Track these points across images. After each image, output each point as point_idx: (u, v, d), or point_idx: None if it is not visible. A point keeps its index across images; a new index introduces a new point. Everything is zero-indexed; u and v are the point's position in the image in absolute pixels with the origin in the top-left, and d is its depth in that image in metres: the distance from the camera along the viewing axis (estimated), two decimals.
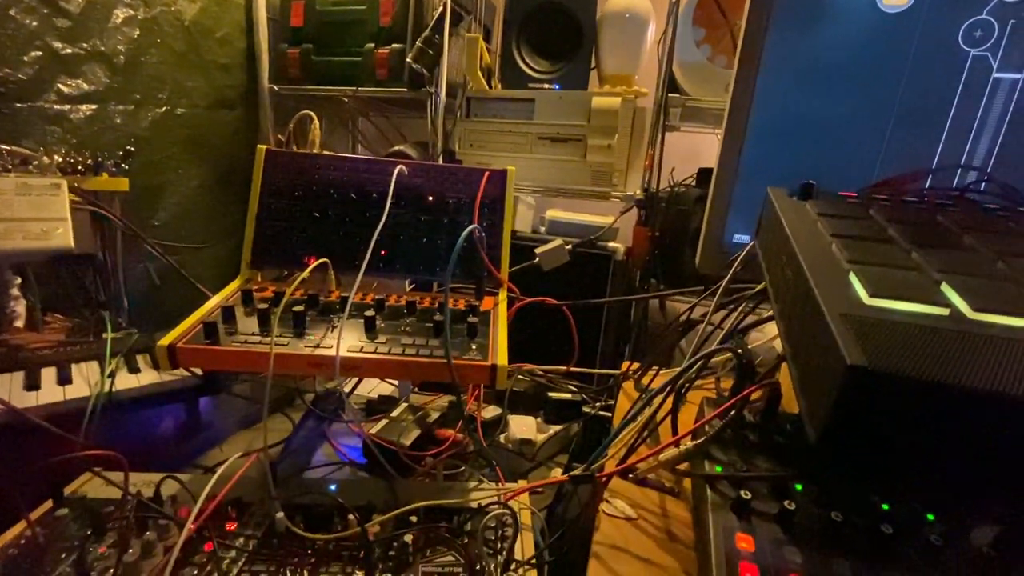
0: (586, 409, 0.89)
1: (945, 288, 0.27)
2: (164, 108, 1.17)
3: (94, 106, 1.05)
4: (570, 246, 1.00)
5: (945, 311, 0.25)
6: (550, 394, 0.92)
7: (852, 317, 0.24)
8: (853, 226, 0.35)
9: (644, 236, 1.09)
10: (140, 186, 1.11)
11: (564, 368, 0.90)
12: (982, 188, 0.51)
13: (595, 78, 1.21)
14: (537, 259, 1.00)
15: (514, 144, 1.16)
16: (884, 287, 0.27)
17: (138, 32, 1.10)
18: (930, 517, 0.39)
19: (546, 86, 1.15)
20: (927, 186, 0.53)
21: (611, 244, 1.08)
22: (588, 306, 0.89)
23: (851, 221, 0.37)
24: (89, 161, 0.82)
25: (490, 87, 1.20)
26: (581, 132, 1.10)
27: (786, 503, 0.38)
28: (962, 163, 0.53)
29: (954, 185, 0.54)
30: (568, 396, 0.92)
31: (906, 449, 0.24)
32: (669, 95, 1.10)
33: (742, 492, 0.39)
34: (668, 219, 1.08)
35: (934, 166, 0.54)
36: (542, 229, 1.19)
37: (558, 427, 0.86)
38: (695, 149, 1.27)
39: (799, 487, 0.41)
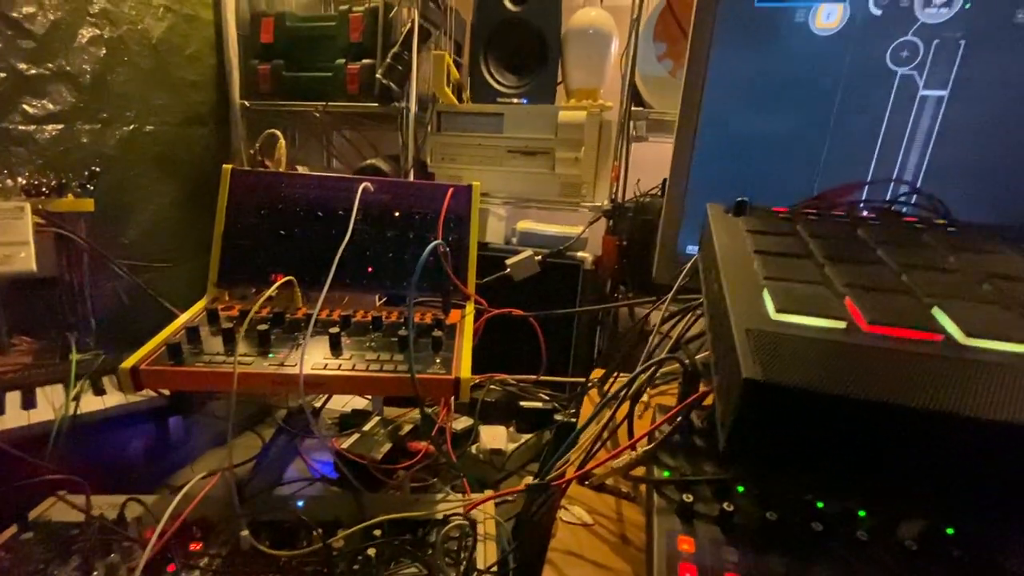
0: (557, 417, 0.90)
1: (848, 302, 0.30)
2: (132, 126, 1.17)
3: (60, 126, 1.05)
4: (540, 256, 1.02)
5: (842, 324, 0.28)
6: (521, 403, 0.93)
7: (755, 332, 0.26)
8: (776, 242, 0.38)
9: (612, 245, 1.12)
10: (109, 205, 1.10)
11: (534, 377, 0.92)
12: (912, 200, 0.54)
13: (562, 92, 1.24)
14: (508, 270, 1.01)
15: (485, 157, 1.18)
16: (790, 302, 0.29)
17: (104, 51, 1.10)
18: (861, 514, 0.41)
19: (514, 100, 1.18)
20: (862, 198, 0.56)
21: (580, 254, 1.10)
22: (555, 316, 0.91)
23: (776, 237, 0.39)
24: (54, 183, 0.82)
25: (461, 101, 1.22)
26: (549, 145, 1.12)
27: (725, 505, 0.40)
28: (894, 177, 0.56)
29: (887, 197, 0.57)
30: (539, 405, 0.93)
31: (810, 457, 0.26)
32: (633, 108, 1.13)
33: (684, 496, 0.41)
34: (635, 228, 1.11)
35: (868, 180, 0.57)
36: (514, 240, 1.21)
37: (529, 436, 0.88)
38: (662, 160, 1.30)
39: (741, 489, 0.43)
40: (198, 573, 0.49)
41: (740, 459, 0.26)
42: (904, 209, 0.51)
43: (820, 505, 0.42)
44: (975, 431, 0.22)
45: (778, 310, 0.28)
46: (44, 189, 0.81)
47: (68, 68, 1.05)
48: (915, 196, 0.53)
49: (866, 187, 0.55)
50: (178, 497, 0.51)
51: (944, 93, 0.55)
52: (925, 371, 0.24)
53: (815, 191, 0.58)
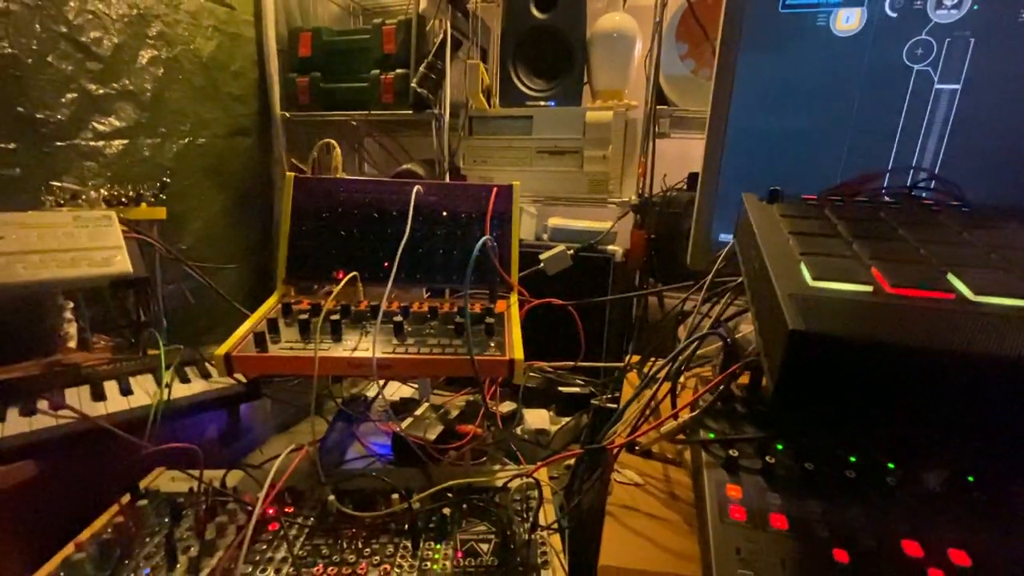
0: (594, 401, 0.96)
1: (874, 270, 0.35)
2: (187, 139, 1.26)
3: (125, 141, 1.14)
4: (572, 251, 1.08)
5: (869, 288, 0.33)
6: (560, 388, 0.99)
7: (797, 295, 0.32)
8: (808, 224, 0.43)
9: (640, 239, 1.17)
10: (169, 213, 1.18)
11: (572, 363, 0.98)
12: (931, 186, 0.59)
13: (588, 93, 1.29)
14: (542, 264, 1.07)
15: (515, 158, 1.24)
16: (825, 272, 0.34)
17: (162, 71, 1.19)
18: (891, 465, 0.46)
19: (542, 103, 1.24)
20: (884, 186, 0.61)
21: (610, 247, 1.15)
22: (591, 305, 0.96)
23: (807, 220, 0.44)
24: (131, 193, 0.90)
25: (490, 106, 1.28)
26: (577, 145, 1.18)
27: (767, 458, 0.45)
28: (913, 165, 0.61)
29: (908, 184, 0.62)
30: (576, 389, 0.99)
31: (847, 399, 0.31)
32: (657, 107, 1.18)
33: (731, 451, 0.46)
34: (662, 222, 1.16)
35: (889, 168, 0.61)
36: (545, 236, 1.27)
37: (568, 419, 0.94)
38: (685, 154, 1.35)
39: (780, 447, 0.48)
40: (296, 530, 0.56)
41: (789, 404, 0.31)
42: (923, 194, 0.56)
43: (852, 459, 0.47)
44: (981, 367, 0.27)
45: (814, 278, 0.34)
46: (123, 199, 0.89)
47: (131, 87, 1.14)
48: (933, 182, 0.57)
49: (887, 175, 0.60)
50: (275, 466, 0.58)
51: (957, 87, 0.59)
52: (940, 321, 0.29)
53: (839, 180, 0.63)
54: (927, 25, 0.59)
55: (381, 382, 0.93)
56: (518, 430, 0.90)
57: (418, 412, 0.90)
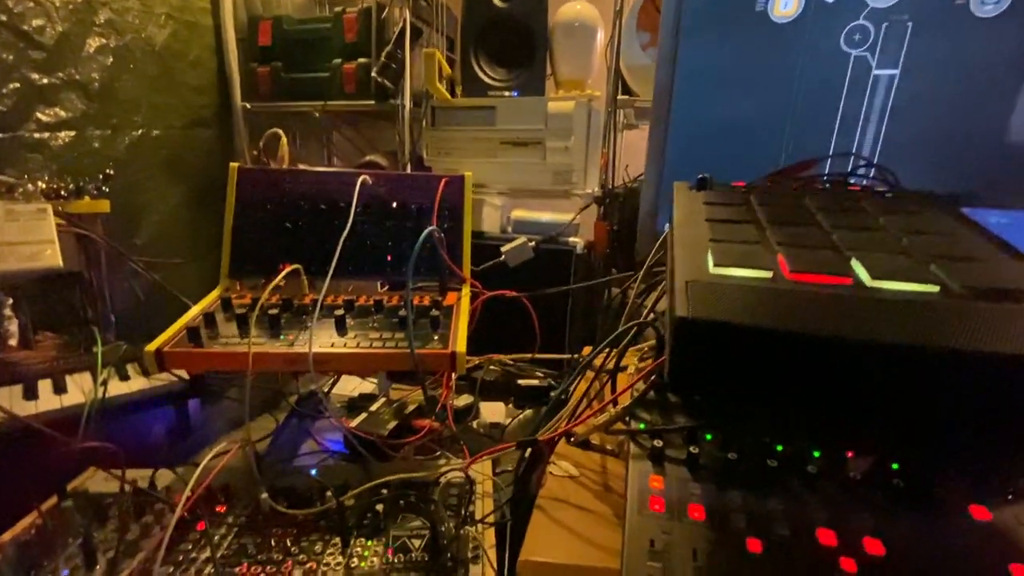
0: (553, 393, 0.95)
1: (779, 257, 0.34)
2: (140, 131, 1.22)
3: (72, 132, 1.10)
4: (534, 243, 1.07)
5: (769, 274, 0.32)
6: (519, 381, 0.99)
7: (692, 282, 0.31)
8: (728, 211, 0.42)
9: (603, 230, 1.16)
10: (121, 207, 1.15)
11: (529, 355, 0.97)
12: (869, 173, 0.58)
13: (552, 84, 1.28)
14: (503, 256, 1.06)
15: (479, 149, 1.22)
16: (727, 258, 0.33)
17: (111, 60, 1.15)
18: (816, 454, 0.46)
19: (506, 94, 1.22)
20: (824, 173, 0.60)
21: (572, 239, 1.14)
22: (552, 297, 0.95)
23: (729, 207, 0.43)
24: (71, 186, 0.87)
25: (453, 96, 1.26)
26: (540, 136, 1.16)
27: (692, 448, 0.45)
28: (852, 151, 0.60)
29: (849, 170, 0.61)
30: (535, 382, 0.98)
31: (741, 386, 0.31)
32: (620, 97, 1.17)
33: (655, 442, 0.46)
34: (625, 213, 1.15)
35: (829, 154, 0.61)
36: (509, 229, 1.26)
37: (526, 411, 0.93)
38: None
39: (708, 437, 0.48)
40: (224, 529, 0.54)
41: (680, 389, 0.31)
42: (859, 180, 0.55)
43: (779, 448, 0.46)
44: (874, 352, 0.27)
45: (715, 264, 0.33)
46: (63, 192, 0.86)
47: (78, 77, 1.10)
48: (870, 169, 0.57)
49: (826, 161, 0.59)
50: (203, 464, 0.56)
51: (895, 72, 0.59)
52: (833, 306, 0.29)
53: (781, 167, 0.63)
54: (864, 10, 0.58)
55: (331, 378, 0.92)
56: (474, 424, 0.89)
57: (373, 408, 0.89)
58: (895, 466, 0.45)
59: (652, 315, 0.54)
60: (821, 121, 0.62)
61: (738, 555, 0.36)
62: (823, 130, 0.62)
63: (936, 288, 0.29)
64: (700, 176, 0.49)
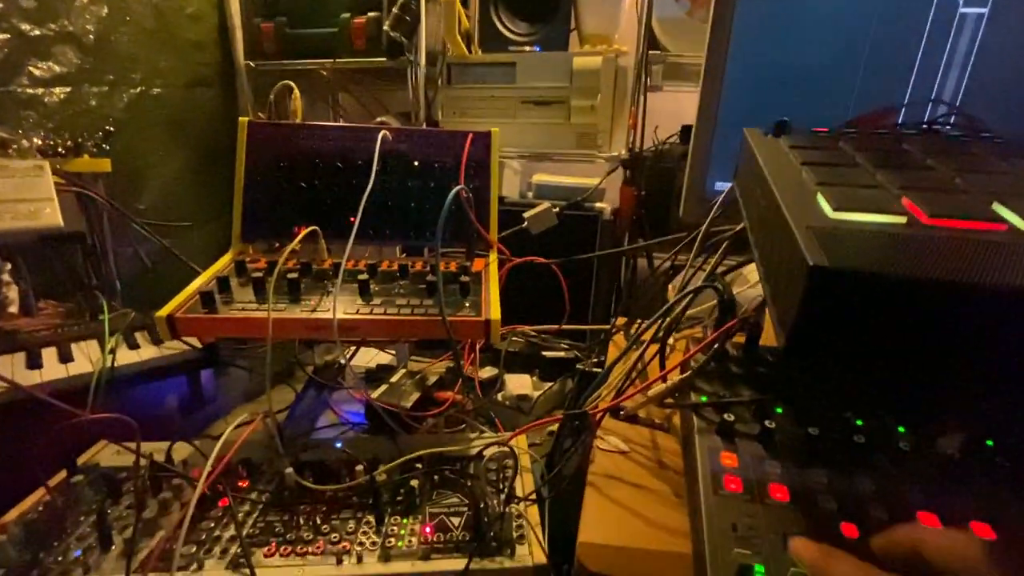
0: (579, 366, 0.91)
1: (906, 201, 0.29)
2: (139, 88, 1.15)
3: (68, 88, 1.03)
4: (557, 209, 1.01)
5: (903, 219, 0.27)
6: (544, 353, 0.95)
7: (816, 228, 0.26)
8: (822, 155, 0.37)
9: (630, 195, 1.11)
10: (122, 170, 1.09)
11: (556, 327, 0.93)
12: (951, 121, 0.53)
13: (575, 39, 1.20)
14: (526, 223, 1.00)
15: (497, 109, 1.16)
16: (847, 202, 0.28)
17: (106, 11, 1.08)
18: (901, 429, 0.42)
19: (527, 49, 1.15)
20: (899, 121, 0.54)
21: (598, 205, 1.09)
22: (576, 263, 0.90)
23: (821, 151, 0.38)
24: (69, 143, 0.81)
25: (470, 52, 1.19)
26: (564, 94, 1.10)
27: (766, 423, 0.40)
28: (932, 98, 0.54)
29: (925, 120, 0.55)
30: (561, 354, 0.94)
31: (874, 348, 0.26)
32: (650, 52, 1.10)
33: (725, 415, 0.41)
34: (653, 178, 1.09)
35: (906, 103, 0.55)
36: (530, 194, 1.20)
37: (552, 384, 0.89)
38: (679, 108, 1.27)
39: (779, 410, 0.44)
40: (248, 506, 0.51)
41: (804, 355, 0.26)
42: (944, 129, 0.50)
43: (859, 422, 0.42)
44: None
45: (835, 209, 0.28)
46: (60, 149, 0.81)
47: (71, 28, 1.03)
48: (954, 116, 0.51)
49: (903, 109, 0.53)
50: (223, 438, 0.53)
51: (984, 10, 0.53)
52: (990, 255, 0.24)
53: (850, 118, 0.57)
54: None
55: (352, 347, 0.88)
56: (499, 396, 0.86)
57: (394, 379, 0.85)
58: (989, 442, 0.41)
59: (713, 280, 0.49)
60: (897, 66, 0.56)
61: (834, 542, 0.32)
62: (899, 76, 0.56)
63: None
64: (779, 120, 0.44)
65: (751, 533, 0.33)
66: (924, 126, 0.49)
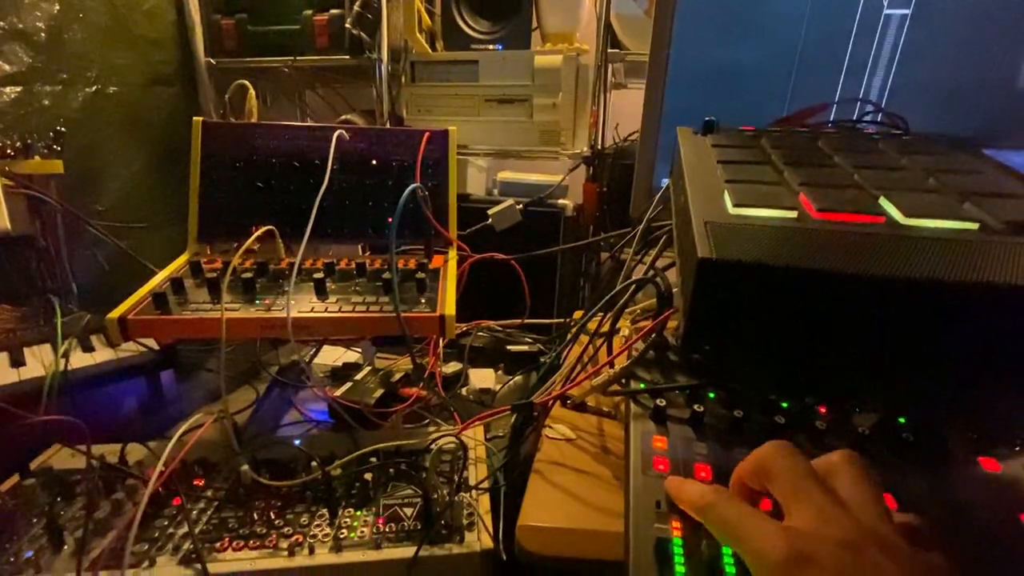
0: (543, 359, 0.93)
1: (802, 196, 0.31)
2: (95, 87, 1.13)
3: (19, 88, 1.01)
4: (521, 205, 1.03)
5: (794, 213, 0.29)
6: (508, 347, 0.96)
7: (712, 223, 0.28)
8: (740, 153, 0.39)
9: (593, 192, 1.13)
10: (78, 171, 1.07)
11: (519, 321, 0.94)
12: (878, 119, 0.56)
13: (537, 37, 1.22)
14: (490, 220, 1.02)
15: (461, 107, 1.17)
16: (747, 198, 0.30)
17: (57, 7, 1.05)
18: (823, 411, 0.44)
19: (489, 47, 1.16)
20: (829, 119, 0.57)
21: (561, 201, 1.11)
22: (541, 261, 0.92)
23: (740, 150, 0.40)
24: (18, 144, 0.80)
25: (434, 50, 1.19)
26: (526, 92, 1.11)
27: (696, 407, 0.43)
28: (860, 97, 0.57)
29: (855, 117, 0.58)
30: (525, 348, 0.96)
31: (763, 334, 0.28)
32: (610, 50, 1.12)
33: (658, 401, 0.43)
34: (615, 174, 1.11)
35: (834, 102, 0.58)
36: (495, 192, 1.21)
37: (514, 377, 0.91)
38: (640, 106, 1.29)
39: (711, 395, 0.46)
40: (203, 504, 0.51)
41: (700, 342, 0.28)
42: (867, 127, 0.53)
43: (784, 405, 0.45)
44: (910, 291, 0.24)
45: (735, 205, 0.30)
46: (9, 151, 0.79)
47: (20, 25, 1.00)
48: (879, 114, 0.54)
49: (833, 107, 0.56)
50: (176, 436, 0.53)
51: (907, 12, 0.56)
52: (868, 245, 0.26)
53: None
54: None
55: (313, 347, 0.88)
56: (463, 391, 0.87)
57: (359, 376, 0.85)
58: (902, 420, 0.44)
59: (652, 272, 0.51)
60: (827, 67, 0.58)
61: None
62: (830, 76, 0.58)
63: (975, 225, 0.27)
64: (706, 119, 0.46)
65: (673, 509, 0.35)
66: (849, 125, 0.52)
